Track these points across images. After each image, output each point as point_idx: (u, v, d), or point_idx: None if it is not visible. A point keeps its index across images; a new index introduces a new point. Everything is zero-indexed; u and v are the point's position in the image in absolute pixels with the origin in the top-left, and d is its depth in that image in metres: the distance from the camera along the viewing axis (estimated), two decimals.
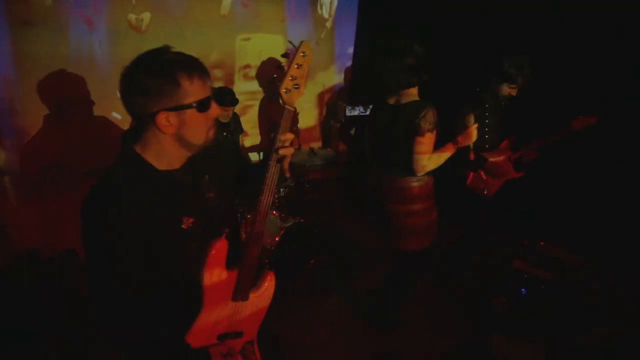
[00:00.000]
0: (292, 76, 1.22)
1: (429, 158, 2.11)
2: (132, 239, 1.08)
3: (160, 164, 1.16)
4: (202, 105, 1.12)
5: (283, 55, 1.26)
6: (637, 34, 2.84)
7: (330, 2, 4.51)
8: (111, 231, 1.05)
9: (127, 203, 1.07)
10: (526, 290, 2.74)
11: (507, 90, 2.67)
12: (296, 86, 1.23)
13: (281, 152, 1.23)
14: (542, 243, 3.04)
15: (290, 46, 1.28)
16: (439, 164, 2.15)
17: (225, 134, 3.40)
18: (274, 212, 3.19)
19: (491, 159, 2.76)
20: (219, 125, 3.33)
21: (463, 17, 3.68)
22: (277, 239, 2.96)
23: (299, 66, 1.22)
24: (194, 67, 1.11)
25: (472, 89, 2.81)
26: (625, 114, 2.89)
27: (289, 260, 3.12)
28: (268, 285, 1.41)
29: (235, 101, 3.30)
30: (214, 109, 1.18)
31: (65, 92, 2.93)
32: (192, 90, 1.09)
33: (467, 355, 2.53)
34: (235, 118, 3.54)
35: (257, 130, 4.29)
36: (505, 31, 3.31)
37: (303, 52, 1.21)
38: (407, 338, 2.63)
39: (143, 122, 1.12)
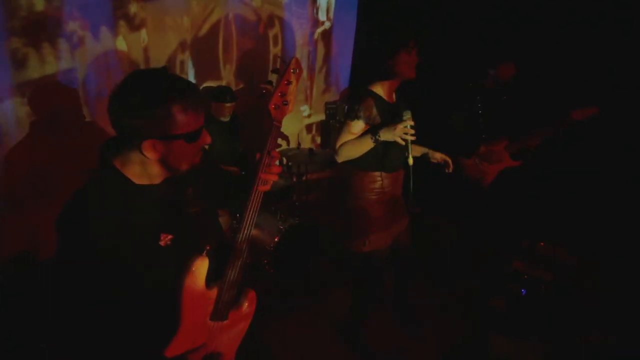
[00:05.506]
0: (281, 92, 1.21)
1: (344, 144, 2.03)
2: (105, 254, 1.04)
3: (139, 180, 1.14)
4: (192, 138, 1.10)
5: (273, 71, 1.24)
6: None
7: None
8: (83, 245, 1.03)
9: (101, 218, 1.05)
10: (526, 291, 2.74)
11: (506, 71, 2.71)
12: (285, 102, 1.22)
13: (267, 172, 1.20)
14: (542, 244, 3.03)
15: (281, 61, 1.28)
16: (351, 155, 2.03)
17: (224, 134, 3.38)
18: None
19: (487, 147, 2.80)
20: (219, 124, 3.33)
21: (458, 13, 3.66)
22: (275, 239, 2.95)
23: (289, 82, 1.21)
24: (190, 97, 1.07)
25: (464, 84, 2.84)
26: (630, 110, 2.87)
27: (288, 261, 3.10)
28: (249, 305, 1.35)
29: (234, 98, 3.30)
30: (204, 139, 1.15)
31: (57, 100, 2.97)
32: (185, 121, 1.06)
33: (466, 356, 2.54)
34: (236, 118, 3.51)
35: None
36: (503, 27, 3.32)
37: (294, 69, 1.20)
38: (407, 338, 2.64)
39: (129, 141, 1.08)
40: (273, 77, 1.18)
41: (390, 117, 1.96)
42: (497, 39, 3.22)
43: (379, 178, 2.14)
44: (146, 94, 1.02)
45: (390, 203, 2.21)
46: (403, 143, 1.89)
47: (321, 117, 4.89)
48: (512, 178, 2.87)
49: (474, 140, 2.80)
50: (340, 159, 2.06)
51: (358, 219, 2.21)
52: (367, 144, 1.99)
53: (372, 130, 1.99)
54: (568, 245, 3.00)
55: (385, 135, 1.93)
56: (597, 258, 2.92)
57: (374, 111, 2.00)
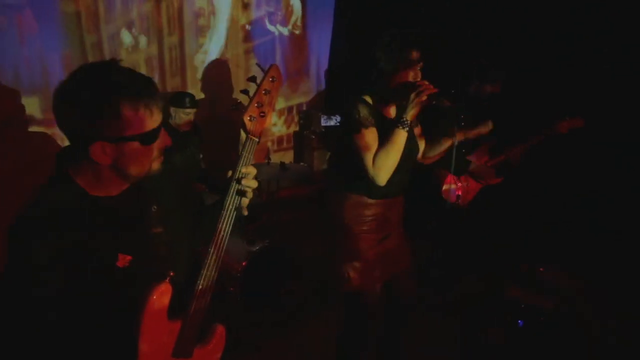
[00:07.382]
0: (258, 102, 1.12)
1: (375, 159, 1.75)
2: (55, 273, 0.98)
3: (94, 190, 1.06)
4: (146, 139, 1.02)
5: (249, 79, 1.09)
6: (626, 34, 2.86)
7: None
8: (30, 262, 0.97)
9: (51, 232, 0.98)
10: (523, 322, 2.63)
11: (489, 88, 2.71)
12: (262, 114, 1.13)
13: (243, 183, 1.13)
14: (541, 269, 2.92)
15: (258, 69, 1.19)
16: (392, 164, 1.73)
17: (186, 147, 3.19)
18: None
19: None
20: (177, 135, 3.13)
21: (439, 18, 3.66)
22: (243, 264, 2.79)
23: (267, 92, 1.12)
24: (142, 93, 0.99)
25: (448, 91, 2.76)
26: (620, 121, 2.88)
27: (257, 288, 2.93)
28: (217, 342, 1.27)
29: (194, 103, 3.18)
30: (162, 140, 1.07)
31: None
32: (136, 121, 0.99)
33: None
34: (197, 128, 3.36)
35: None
36: (487, 34, 3.35)
37: (272, 77, 1.12)
38: None
39: (77, 144, 1.01)
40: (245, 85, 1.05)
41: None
42: (481, 47, 3.23)
43: (364, 203, 1.88)
44: (91, 89, 0.95)
45: (379, 235, 1.93)
46: (425, 97, 1.67)
47: (294, 127, 4.80)
48: (503, 195, 2.80)
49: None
50: (383, 179, 1.74)
51: (340, 249, 1.95)
52: (400, 137, 1.70)
53: (395, 120, 1.75)
54: (570, 269, 2.94)
55: (410, 110, 1.69)
56: (600, 284, 2.86)
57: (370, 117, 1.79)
